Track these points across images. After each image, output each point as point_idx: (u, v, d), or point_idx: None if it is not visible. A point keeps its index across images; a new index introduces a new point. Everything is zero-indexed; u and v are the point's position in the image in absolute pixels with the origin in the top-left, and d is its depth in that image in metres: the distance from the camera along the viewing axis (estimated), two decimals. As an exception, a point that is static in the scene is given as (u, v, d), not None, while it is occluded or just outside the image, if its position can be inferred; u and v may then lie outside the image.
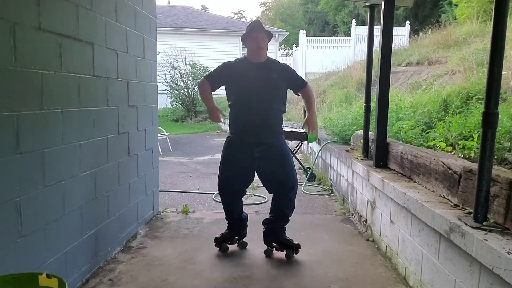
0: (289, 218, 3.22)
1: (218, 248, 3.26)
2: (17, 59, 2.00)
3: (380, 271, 2.91)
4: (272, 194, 3.22)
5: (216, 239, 3.27)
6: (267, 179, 3.16)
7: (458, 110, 4.01)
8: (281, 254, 3.17)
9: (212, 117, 3.16)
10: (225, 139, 3.18)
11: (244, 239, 3.38)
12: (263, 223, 3.24)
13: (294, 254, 3.14)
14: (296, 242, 3.15)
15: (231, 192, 3.19)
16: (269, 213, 3.24)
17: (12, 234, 2.01)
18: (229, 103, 3.12)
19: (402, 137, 3.91)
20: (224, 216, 3.31)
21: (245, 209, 4.38)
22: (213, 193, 5.10)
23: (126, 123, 3.35)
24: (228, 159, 3.12)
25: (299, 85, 3.20)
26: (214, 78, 3.13)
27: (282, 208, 3.16)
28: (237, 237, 3.31)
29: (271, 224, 3.19)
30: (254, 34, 3.02)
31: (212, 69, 3.20)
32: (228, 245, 3.28)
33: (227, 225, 3.33)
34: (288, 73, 3.17)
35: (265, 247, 3.23)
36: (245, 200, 4.84)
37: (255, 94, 2.98)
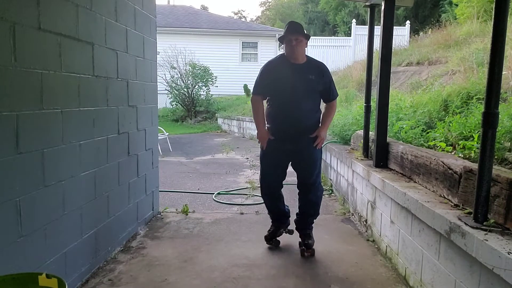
0: (317, 212, 3.34)
1: (269, 245, 3.35)
2: (17, 59, 2.00)
3: (380, 271, 2.91)
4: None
5: (266, 237, 3.36)
6: (297, 173, 3.28)
7: (458, 110, 4.00)
8: (280, 256, 3.17)
9: (261, 141, 3.23)
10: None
11: (244, 240, 3.40)
12: (296, 215, 3.40)
13: (306, 254, 3.19)
14: (308, 241, 3.21)
15: (271, 192, 3.32)
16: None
17: (12, 234, 2.01)
18: (268, 98, 3.22)
19: (402, 137, 3.91)
20: (268, 211, 3.43)
21: (245, 209, 4.39)
22: (213, 193, 5.10)
23: (126, 123, 3.35)
24: (266, 156, 3.24)
25: (330, 96, 3.26)
26: (263, 89, 3.18)
27: (303, 206, 3.30)
28: (282, 229, 3.41)
29: (298, 218, 3.34)
30: (288, 36, 3.06)
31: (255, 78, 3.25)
32: (278, 239, 3.38)
33: (271, 220, 3.43)
34: (327, 79, 3.20)
35: (264, 247, 3.26)
36: (245, 200, 4.85)
37: (290, 95, 3.05)
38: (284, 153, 3.17)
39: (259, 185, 3.39)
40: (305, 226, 3.30)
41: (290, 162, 3.25)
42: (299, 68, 3.10)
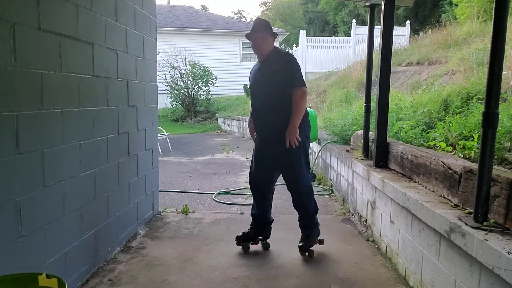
0: (306, 213, 3.24)
1: (240, 246, 3.27)
2: (17, 59, 2.00)
3: (380, 271, 2.91)
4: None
5: (238, 237, 3.28)
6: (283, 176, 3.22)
7: (458, 110, 4.00)
8: (280, 256, 3.17)
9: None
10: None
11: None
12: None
13: (306, 253, 3.17)
14: (301, 244, 3.18)
15: (255, 189, 3.30)
16: None
17: (12, 234, 2.01)
18: None
19: (402, 137, 3.91)
20: (252, 213, 3.35)
21: (245, 209, 4.38)
22: (213, 193, 5.10)
23: (126, 123, 3.35)
24: (253, 157, 3.29)
25: (290, 84, 2.96)
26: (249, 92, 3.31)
27: (295, 207, 3.25)
28: (260, 237, 3.32)
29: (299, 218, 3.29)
30: (252, 35, 3.07)
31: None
32: (250, 245, 3.29)
33: (250, 224, 3.35)
34: (288, 68, 2.97)
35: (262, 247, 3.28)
36: (245, 200, 4.85)
37: (256, 94, 3.11)
38: (267, 154, 3.16)
39: None
40: (301, 226, 3.27)
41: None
42: (263, 66, 3.08)
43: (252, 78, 3.17)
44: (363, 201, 3.82)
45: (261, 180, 3.25)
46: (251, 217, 3.37)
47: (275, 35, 3.11)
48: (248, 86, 3.24)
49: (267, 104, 3.04)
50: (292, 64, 3.00)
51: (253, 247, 3.32)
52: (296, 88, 2.94)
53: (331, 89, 10.38)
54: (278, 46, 3.18)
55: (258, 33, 3.04)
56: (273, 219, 3.41)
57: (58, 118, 2.37)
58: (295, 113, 2.94)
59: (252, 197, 3.35)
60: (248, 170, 3.39)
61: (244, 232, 3.31)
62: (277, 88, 2.96)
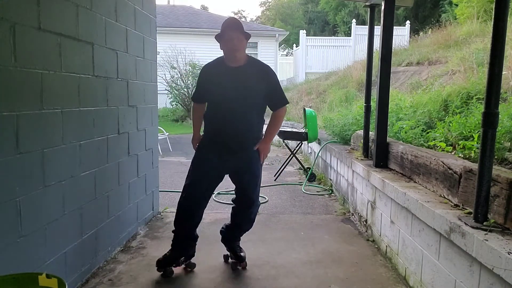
0: (245, 231, 3.06)
1: (161, 273, 2.81)
2: (17, 59, 2.00)
3: (380, 271, 2.91)
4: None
5: (158, 261, 2.82)
6: (236, 186, 2.96)
7: (458, 110, 4.00)
8: (280, 256, 3.16)
9: (193, 145, 3.06)
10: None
11: (244, 240, 3.24)
12: (221, 228, 3.11)
13: (239, 267, 2.95)
14: (241, 254, 2.96)
15: (192, 199, 2.82)
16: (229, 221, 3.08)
17: (12, 234, 2.01)
18: (206, 103, 2.94)
19: (402, 137, 3.91)
20: (175, 229, 2.88)
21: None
22: (213, 193, 5.09)
23: (126, 123, 3.35)
24: (198, 161, 2.88)
25: (277, 104, 2.85)
26: (198, 95, 2.97)
27: (238, 221, 3.01)
28: (182, 258, 2.88)
29: (226, 230, 3.07)
30: (228, 34, 2.65)
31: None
32: (173, 268, 2.86)
33: (171, 244, 2.88)
34: (271, 83, 2.81)
35: (265, 247, 3.22)
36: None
37: (228, 103, 2.71)
38: (219, 165, 2.80)
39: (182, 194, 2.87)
40: (235, 239, 3.05)
41: (228, 174, 2.91)
42: (238, 72, 2.71)
43: (218, 81, 2.75)
44: (363, 201, 3.82)
45: (203, 189, 2.82)
46: (172, 239, 2.89)
47: (248, 37, 2.73)
48: (211, 87, 2.80)
49: (240, 112, 2.72)
50: (274, 78, 2.87)
51: (256, 248, 3.32)
52: (282, 106, 2.88)
53: (331, 89, 10.38)
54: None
55: (234, 33, 2.65)
56: (197, 235, 2.96)
57: (58, 118, 2.37)
58: (275, 129, 2.94)
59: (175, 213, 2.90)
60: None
61: (165, 254, 2.86)
62: (253, 98, 2.75)
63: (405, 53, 9.73)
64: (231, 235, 3.06)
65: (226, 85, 2.71)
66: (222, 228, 3.11)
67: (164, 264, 2.82)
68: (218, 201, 4.79)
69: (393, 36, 3.59)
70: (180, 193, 2.87)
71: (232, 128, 2.73)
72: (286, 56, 26.09)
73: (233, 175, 2.91)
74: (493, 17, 1.93)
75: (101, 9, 2.85)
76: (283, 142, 7.20)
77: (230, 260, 3.05)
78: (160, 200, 4.45)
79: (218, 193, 5.13)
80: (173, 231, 2.89)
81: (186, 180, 2.86)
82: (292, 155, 6.43)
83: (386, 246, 3.14)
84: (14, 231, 2.03)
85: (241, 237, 3.10)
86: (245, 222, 3.02)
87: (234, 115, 2.72)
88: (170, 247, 2.87)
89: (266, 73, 2.80)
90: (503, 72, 2.50)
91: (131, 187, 3.50)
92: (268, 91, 2.78)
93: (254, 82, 2.72)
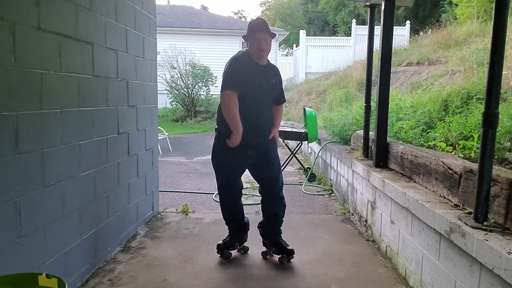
0: (282, 218, 3.17)
1: (220, 255, 3.15)
2: (16, 59, 2.00)
3: (380, 272, 2.91)
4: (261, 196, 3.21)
5: (218, 246, 3.17)
6: (259, 178, 3.19)
7: (458, 110, 4.00)
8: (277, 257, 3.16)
9: (235, 139, 2.83)
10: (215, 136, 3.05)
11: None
12: (258, 226, 3.22)
13: (287, 261, 3.04)
14: (290, 248, 3.06)
15: (233, 192, 3.15)
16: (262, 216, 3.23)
17: (11, 234, 2.01)
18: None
19: (402, 137, 3.91)
20: (228, 224, 3.22)
21: (245, 209, 4.38)
22: (213, 193, 5.09)
23: (125, 123, 3.35)
24: (226, 159, 3.01)
25: (282, 100, 3.27)
26: (235, 84, 2.82)
27: (271, 208, 3.15)
28: (236, 244, 3.22)
29: (264, 226, 3.19)
30: (257, 35, 2.88)
31: (221, 75, 2.97)
32: (230, 252, 3.18)
33: (228, 231, 3.24)
34: (280, 83, 3.18)
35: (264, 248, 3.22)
36: (245, 200, 4.84)
37: (258, 97, 2.92)
38: (247, 159, 3.01)
39: (219, 194, 3.24)
40: (276, 231, 3.14)
41: (249, 168, 3.13)
42: (265, 70, 2.98)
43: (251, 76, 2.86)
44: (363, 201, 3.82)
45: (237, 184, 3.16)
46: (228, 228, 3.24)
47: (273, 37, 3.02)
48: (245, 81, 2.84)
49: (268, 110, 3.04)
50: (281, 78, 3.23)
51: (256, 248, 3.31)
52: (284, 102, 3.33)
53: (331, 89, 10.38)
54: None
55: (267, 34, 2.91)
56: (248, 220, 3.28)
57: (57, 118, 2.37)
58: (280, 119, 3.32)
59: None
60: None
61: (224, 239, 3.20)
62: (274, 94, 3.10)
63: (405, 53, 9.74)
64: (271, 228, 3.15)
65: (261, 81, 2.94)
66: (259, 227, 3.22)
67: (223, 247, 3.15)
68: (218, 201, 4.78)
69: (393, 36, 3.59)
70: (217, 194, 3.20)
71: (261, 120, 2.98)
72: (286, 56, 26.09)
73: (258, 167, 3.11)
74: (493, 17, 1.93)
75: (101, 9, 2.85)
76: (283, 142, 7.19)
77: (268, 256, 3.16)
78: (160, 200, 4.45)
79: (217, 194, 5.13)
80: (226, 223, 3.23)
81: (220, 179, 3.11)
82: (292, 155, 6.42)
83: (386, 246, 3.14)
84: (14, 231, 2.03)
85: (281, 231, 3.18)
86: (277, 206, 3.13)
87: (263, 108, 3.00)
88: (228, 234, 3.22)
89: (279, 74, 3.17)
90: (503, 72, 2.50)
91: (131, 187, 3.50)
92: (279, 90, 3.17)
93: (274, 81, 3.06)
